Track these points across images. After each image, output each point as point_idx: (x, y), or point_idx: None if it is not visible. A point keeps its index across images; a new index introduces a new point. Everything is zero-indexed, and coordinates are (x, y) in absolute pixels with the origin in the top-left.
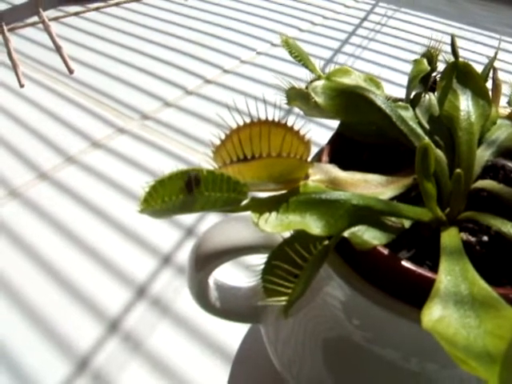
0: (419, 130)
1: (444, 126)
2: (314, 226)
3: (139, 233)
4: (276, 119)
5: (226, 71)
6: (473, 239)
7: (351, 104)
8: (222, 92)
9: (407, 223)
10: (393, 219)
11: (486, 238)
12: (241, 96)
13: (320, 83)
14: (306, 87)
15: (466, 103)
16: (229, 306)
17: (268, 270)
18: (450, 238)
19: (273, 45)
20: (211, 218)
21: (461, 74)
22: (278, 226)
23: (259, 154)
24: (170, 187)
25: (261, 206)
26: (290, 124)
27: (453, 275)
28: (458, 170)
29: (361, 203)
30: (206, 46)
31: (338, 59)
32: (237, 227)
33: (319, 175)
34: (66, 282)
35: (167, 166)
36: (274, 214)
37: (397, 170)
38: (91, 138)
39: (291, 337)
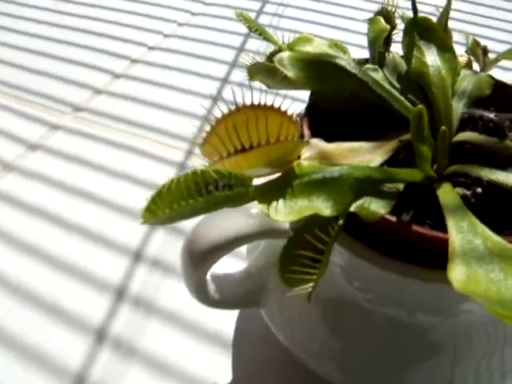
0: (394, 92)
1: (414, 84)
2: (323, 207)
3: (101, 233)
4: (264, 103)
5: (151, 48)
6: (468, 192)
7: (322, 73)
8: (151, 71)
9: (401, 186)
10: (388, 185)
11: (479, 190)
12: (174, 72)
13: (285, 55)
14: (268, 60)
15: (433, 58)
16: (227, 296)
17: (285, 260)
18: (448, 194)
19: (193, 14)
20: None
21: (422, 29)
22: (289, 213)
23: (258, 142)
24: (177, 193)
25: (265, 195)
26: (276, 105)
27: (463, 232)
28: (444, 128)
29: (361, 175)
30: (125, 24)
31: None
32: (228, 217)
33: (308, 152)
34: (36, 299)
35: (114, 158)
36: (281, 201)
37: (377, 133)
38: (25, 140)
39: (299, 313)
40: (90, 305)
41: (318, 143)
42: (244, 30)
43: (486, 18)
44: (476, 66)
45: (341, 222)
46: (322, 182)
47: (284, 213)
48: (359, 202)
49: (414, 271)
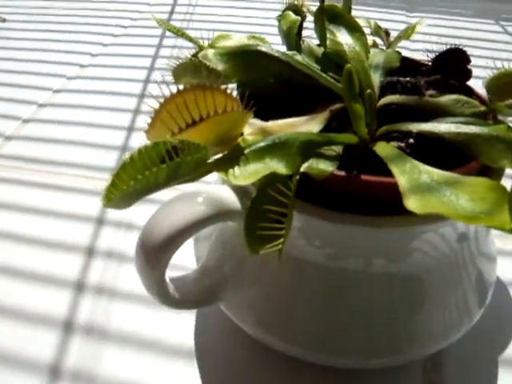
0: (318, 70)
1: (332, 64)
2: (278, 167)
3: (38, 271)
4: (208, 84)
5: (56, 91)
6: (402, 144)
7: (247, 62)
8: (60, 112)
9: (340, 149)
10: (328, 149)
11: (412, 141)
12: (82, 110)
13: (210, 51)
14: (192, 60)
15: (345, 38)
16: (188, 294)
17: (250, 223)
18: (385, 148)
19: (93, 55)
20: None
21: (330, 15)
22: (247, 176)
23: (207, 114)
24: (140, 164)
25: (221, 166)
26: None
27: (408, 173)
28: (369, 90)
29: (305, 139)
30: (29, 71)
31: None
32: (177, 208)
33: (249, 129)
34: None
35: (36, 197)
36: (237, 168)
37: (306, 109)
38: None
39: (263, 292)
40: (37, 344)
41: (256, 121)
42: (147, 63)
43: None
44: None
45: (297, 177)
46: (271, 146)
47: (242, 176)
48: (307, 164)
49: (365, 220)
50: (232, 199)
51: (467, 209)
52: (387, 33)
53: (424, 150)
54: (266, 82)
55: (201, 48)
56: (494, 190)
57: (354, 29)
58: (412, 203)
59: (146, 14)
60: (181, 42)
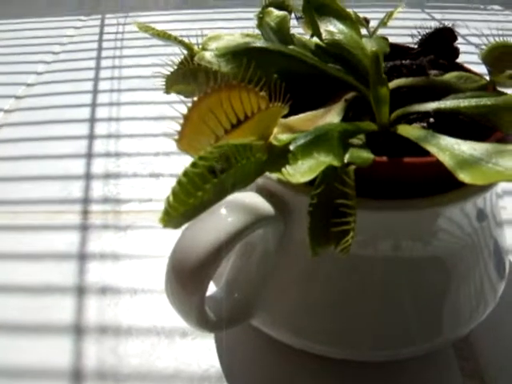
0: (320, 62)
1: (328, 55)
2: (329, 160)
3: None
4: (227, 83)
5: None
6: (424, 124)
7: (250, 60)
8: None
9: (363, 138)
10: (354, 139)
11: (432, 120)
12: (30, 143)
13: (207, 53)
14: (189, 64)
15: (339, 27)
16: (221, 314)
17: (314, 226)
18: (411, 130)
19: (29, 85)
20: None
21: (317, 6)
22: (304, 173)
23: (251, 112)
24: (189, 186)
25: (271, 166)
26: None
27: (448, 149)
28: (384, 75)
29: (341, 129)
30: None
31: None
32: (208, 224)
33: (276, 129)
34: None
35: (5, 243)
36: (288, 167)
37: (320, 102)
38: None
39: (304, 298)
40: None
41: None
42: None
43: None
44: None
45: (353, 166)
46: (314, 140)
47: (299, 174)
48: (349, 154)
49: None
50: (262, 204)
51: None
52: (367, 21)
53: (445, 128)
54: (268, 78)
55: (192, 52)
56: None
57: (344, 17)
58: (467, 177)
59: (76, 37)
60: (119, 61)
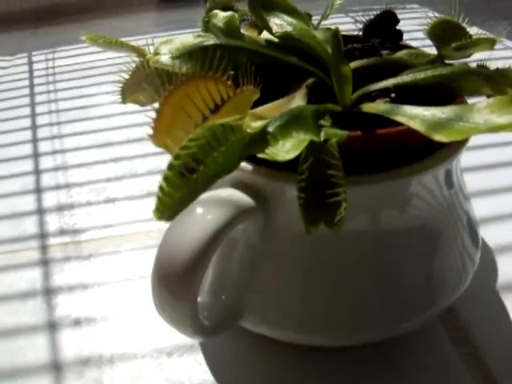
0: (276, 53)
1: (282, 47)
2: (311, 137)
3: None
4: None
5: None
6: (386, 99)
7: (208, 57)
8: None
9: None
10: (322, 121)
11: (393, 95)
12: None
13: (163, 56)
14: (145, 69)
15: (288, 20)
16: (213, 318)
17: (305, 198)
18: (375, 106)
19: None
20: None
21: (263, 3)
22: (289, 151)
23: (227, 96)
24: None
25: (253, 147)
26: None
27: (418, 116)
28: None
29: (314, 109)
30: None
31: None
32: (192, 219)
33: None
34: None
35: None
36: (271, 148)
37: (278, 92)
38: None
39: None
40: None
41: None
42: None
43: None
44: None
45: (334, 139)
46: (290, 121)
47: (284, 152)
48: (323, 132)
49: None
50: (240, 197)
51: (498, 122)
52: (309, 15)
53: (406, 102)
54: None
55: (145, 58)
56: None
57: (291, 11)
58: (443, 136)
59: (5, 77)
60: (54, 95)
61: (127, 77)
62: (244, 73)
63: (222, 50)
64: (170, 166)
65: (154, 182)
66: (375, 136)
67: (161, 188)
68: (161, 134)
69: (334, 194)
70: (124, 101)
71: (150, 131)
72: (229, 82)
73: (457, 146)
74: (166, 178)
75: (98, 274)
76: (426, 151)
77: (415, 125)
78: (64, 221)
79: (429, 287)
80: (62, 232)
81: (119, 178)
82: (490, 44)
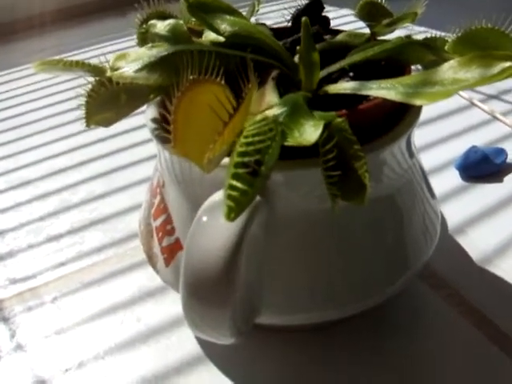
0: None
1: (231, 46)
2: (320, 119)
3: None
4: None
5: None
6: (347, 79)
7: (172, 65)
8: None
9: None
10: None
11: (352, 74)
12: None
13: (125, 70)
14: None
15: (230, 20)
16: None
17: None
18: (340, 86)
19: None
20: None
21: (199, 6)
22: (311, 134)
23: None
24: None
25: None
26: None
27: (387, 88)
28: (301, 47)
29: (300, 97)
30: None
31: None
32: (213, 221)
33: None
34: None
35: None
36: (294, 133)
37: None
38: None
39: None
40: None
41: None
42: None
43: None
44: None
45: (343, 117)
46: (293, 110)
47: (309, 134)
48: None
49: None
50: None
51: (474, 76)
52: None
53: (365, 79)
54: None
55: (105, 76)
56: (474, 58)
57: (228, 11)
58: (424, 100)
59: None
60: None
61: (87, 99)
62: (234, 72)
63: (184, 56)
64: (239, 164)
65: (94, 212)
66: (358, 112)
67: (233, 187)
68: (181, 143)
69: (355, 169)
70: (88, 123)
71: (171, 143)
72: (222, 82)
73: (415, 114)
74: (237, 176)
75: (61, 316)
76: (388, 123)
77: (391, 95)
78: (9, 270)
79: (405, 248)
80: (13, 281)
81: (55, 213)
82: (412, 17)
